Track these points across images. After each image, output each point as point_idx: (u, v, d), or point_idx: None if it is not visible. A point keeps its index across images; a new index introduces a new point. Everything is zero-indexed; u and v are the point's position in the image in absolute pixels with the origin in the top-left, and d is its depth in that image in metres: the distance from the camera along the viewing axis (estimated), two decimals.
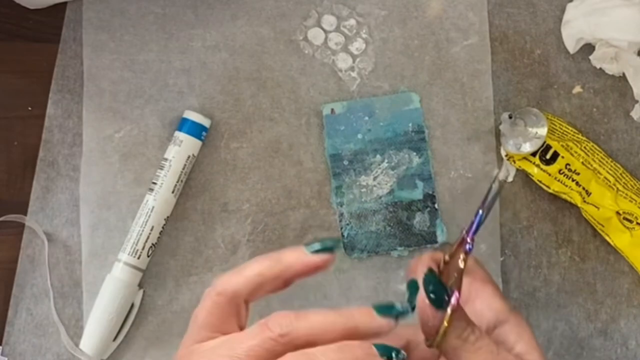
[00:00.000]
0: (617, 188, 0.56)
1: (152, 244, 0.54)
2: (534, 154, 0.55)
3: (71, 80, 0.57)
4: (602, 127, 0.58)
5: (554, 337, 0.56)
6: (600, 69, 0.58)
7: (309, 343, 0.29)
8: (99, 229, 0.55)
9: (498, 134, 0.57)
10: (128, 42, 0.58)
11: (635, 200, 0.55)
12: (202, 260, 0.56)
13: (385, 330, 0.31)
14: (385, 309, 0.32)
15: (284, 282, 0.34)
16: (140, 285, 0.54)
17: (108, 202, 0.56)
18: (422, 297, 0.33)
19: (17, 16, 0.58)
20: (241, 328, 0.33)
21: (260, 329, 0.30)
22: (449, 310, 0.32)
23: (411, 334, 0.37)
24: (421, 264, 0.35)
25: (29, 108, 0.57)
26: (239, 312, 0.34)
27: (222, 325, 0.32)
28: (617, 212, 0.54)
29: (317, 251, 0.33)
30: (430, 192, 0.56)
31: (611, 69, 0.58)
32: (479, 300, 0.39)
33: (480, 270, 0.41)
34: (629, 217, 0.55)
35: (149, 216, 0.54)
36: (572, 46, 0.58)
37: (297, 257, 0.33)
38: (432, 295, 0.32)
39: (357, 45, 0.58)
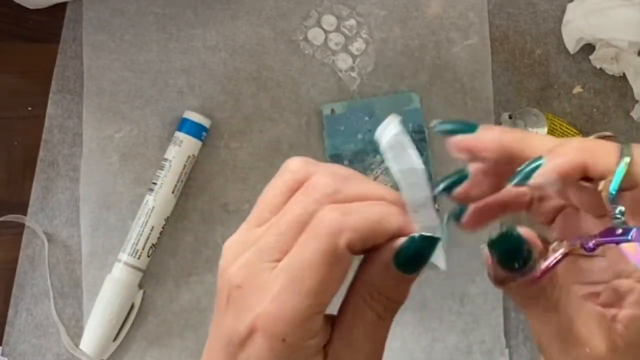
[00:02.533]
0: None
1: (152, 244, 0.54)
2: None
3: (71, 80, 0.57)
4: (602, 127, 0.58)
5: None
6: (601, 69, 0.58)
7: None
8: (99, 229, 0.55)
9: None
10: (128, 42, 0.58)
11: None
12: (202, 260, 0.55)
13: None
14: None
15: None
16: (140, 286, 0.54)
17: (108, 202, 0.56)
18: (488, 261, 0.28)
19: (17, 16, 0.58)
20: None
21: (302, 195, 0.27)
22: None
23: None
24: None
25: (29, 108, 0.57)
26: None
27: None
28: None
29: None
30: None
31: (611, 69, 0.58)
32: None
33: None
34: None
35: (149, 216, 0.54)
36: (572, 46, 0.58)
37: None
38: (504, 263, 0.28)
39: (357, 45, 0.58)
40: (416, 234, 0.27)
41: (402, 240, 0.27)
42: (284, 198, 0.28)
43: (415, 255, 0.27)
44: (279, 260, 0.26)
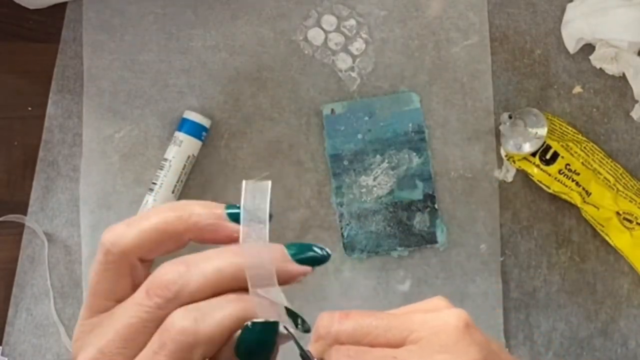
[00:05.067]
0: (617, 188, 0.56)
1: None
2: (534, 154, 0.55)
3: (71, 80, 0.57)
4: (602, 127, 0.58)
5: (554, 337, 0.56)
6: (600, 69, 0.58)
7: (201, 298, 0.25)
8: (99, 229, 0.55)
9: (498, 134, 0.57)
10: (128, 42, 0.58)
11: (635, 201, 0.55)
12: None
13: (301, 277, 0.27)
14: (302, 249, 0.27)
15: (184, 242, 0.28)
16: None
17: (108, 202, 0.56)
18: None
19: (17, 16, 0.58)
20: (135, 291, 0.27)
21: (141, 297, 0.25)
22: None
23: None
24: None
25: (29, 108, 0.57)
26: (133, 271, 0.27)
27: (113, 290, 0.26)
28: (617, 213, 0.54)
29: (233, 217, 0.27)
30: (430, 192, 0.56)
31: (611, 69, 0.58)
32: None
33: None
34: (629, 217, 0.55)
35: None
36: (572, 46, 0.58)
37: (209, 219, 0.27)
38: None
39: (357, 45, 0.58)
40: (249, 323, 0.25)
41: (237, 332, 0.25)
42: (110, 283, 0.26)
43: (256, 346, 0.25)
44: None
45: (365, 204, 0.56)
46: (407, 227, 0.56)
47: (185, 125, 0.55)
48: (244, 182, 0.27)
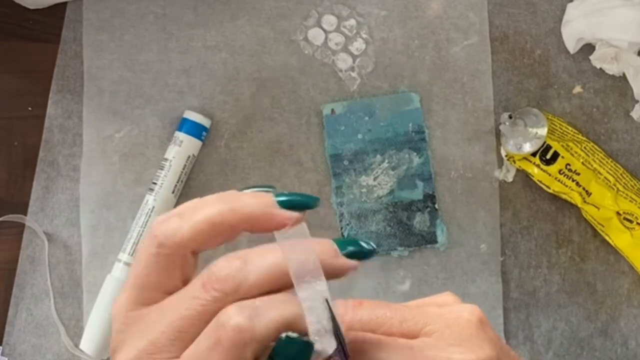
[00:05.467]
0: (617, 188, 0.56)
1: None
2: (534, 154, 0.55)
3: (71, 80, 0.57)
4: (602, 127, 0.58)
5: (554, 337, 0.56)
6: (600, 69, 0.58)
7: (257, 294, 0.25)
8: (99, 229, 0.55)
9: (498, 134, 0.57)
10: (128, 42, 0.58)
11: (636, 201, 0.55)
12: (202, 260, 0.55)
13: (350, 272, 0.26)
14: (352, 244, 0.26)
15: (237, 233, 0.27)
16: None
17: (108, 202, 0.56)
18: None
19: (17, 16, 0.58)
20: (186, 283, 0.27)
21: (197, 290, 0.25)
22: None
23: None
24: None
25: (29, 108, 0.57)
26: (184, 264, 0.27)
27: (164, 283, 0.26)
28: (617, 212, 0.54)
29: (287, 204, 0.26)
30: (430, 192, 0.56)
31: (611, 69, 0.58)
32: None
33: None
34: (629, 217, 0.55)
35: (149, 216, 0.54)
36: (572, 46, 0.58)
37: (262, 208, 0.26)
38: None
39: (357, 45, 0.58)
40: (283, 335, 0.24)
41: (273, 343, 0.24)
42: (161, 276, 0.26)
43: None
44: None
45: (365, 204, 0.56)
46: (407, 227, 0.56)
47: (185, 125, 0.55)
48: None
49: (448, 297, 0.29)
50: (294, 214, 0.26)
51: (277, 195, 0.27)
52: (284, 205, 0.26)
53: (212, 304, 0.24)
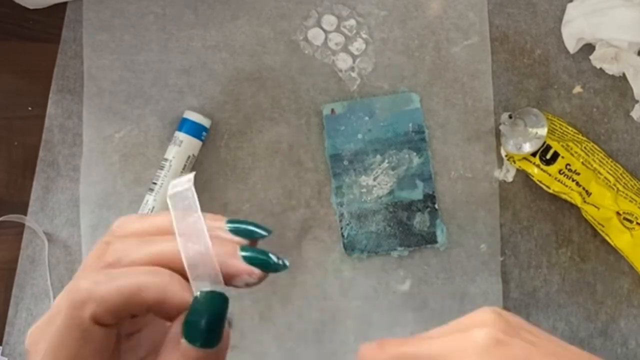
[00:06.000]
0: (617, 188, 0.56)
1: None
2: (534, 154, 0.55)
3: (71, 80, 0.57)
4: (602, 127, 0.58)
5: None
6: (600, 69, 0.58)
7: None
8: (99, 229, 0.55)
9: (498, 134, 0.57)
10: (128, 42, 0.58)
11: (636, 201, 0.55)
12: None
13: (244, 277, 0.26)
14: (257, 257, 0.26)
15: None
16: None
17: (108, 202, 0.56)
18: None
19: (17, 16, 0.58)
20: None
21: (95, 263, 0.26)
22: None
23: None
24: None
25: (29, 108, 0.57)
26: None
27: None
28: (617, 212, 0.54)
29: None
30: (430, 192, 0.56)
31: (611, 69, 0.58)
32: None
33: None
34: (629, 217, 0.55)
35: None
36: (572, 46, 0.58)
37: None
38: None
39: (357, 45, 0.58)
40: (197, 293, 0.24)
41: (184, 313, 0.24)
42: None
43: (207, 319, 0.24)
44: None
45: (365, 204, 0.56)
46: (407, 227, 0.56)
47: (185, 125, 0.55)
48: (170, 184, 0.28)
49: (480, 316, 0.28)
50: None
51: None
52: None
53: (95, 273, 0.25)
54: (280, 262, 0.27)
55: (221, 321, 0.25)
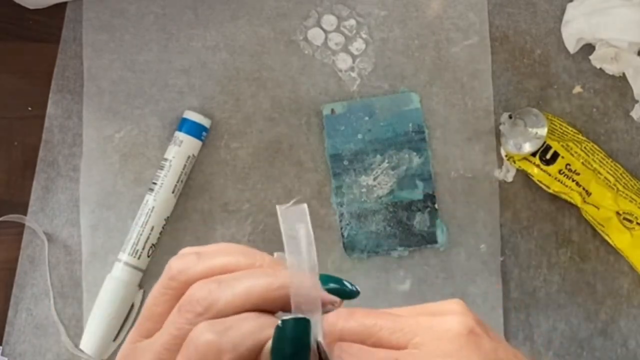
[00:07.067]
0: (617, 188, 0.56)
1: (152, 244, 0.54)
2: (534, 154, 0.55)
3: (71, 80, 0.57)
4: (602, 127, 0.58)
5: (554, 337, 0.56)
6: (600, 69, 0.58)
7: (229, 315, 0.26)
8: (99, 229, 0.55)
9: (498, 134, 0.57)
10: (128, 42, 0.58)
11: (635, 201, 0.55)
12: None
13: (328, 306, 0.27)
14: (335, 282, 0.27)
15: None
16: (140, 285, 0.54)
17: (108, 202, 0.56)
18: None
19: (17, 16, 0.58)
20: None
21: (174, 314, 0.26)
22: None
23: None
24: None
25: (29, 108, 0.57)
26: None
27: (166, 316, 0.27)
28: (617, 212, 0.54)
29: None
30: (430, 192, 0.56)
31: (611, 69, 0.58)
32: None
33: None
34: (629, 217, 0.55)
35: (149, 216, 0.54)
36: (572, 46, 0.58)
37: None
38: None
39: (357, 45, 0.58)
40: (279, 321, 0.25)
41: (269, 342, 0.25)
42: (165, 308, 0.27)
43: (291, 345, 0.25)
44: None
45: (365, 204, 0.56)
46: (407, 227, 0.56)
47: (185, 125, 0.55)
48: (278, 207, 0.27)
49: (453, 306, 0.29)
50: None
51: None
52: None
53: (186, 325, 0.25)
54: (354, 288, 0.28)
55: (306, 346, 0.25)
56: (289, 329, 0.25)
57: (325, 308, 0.27)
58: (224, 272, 0.27)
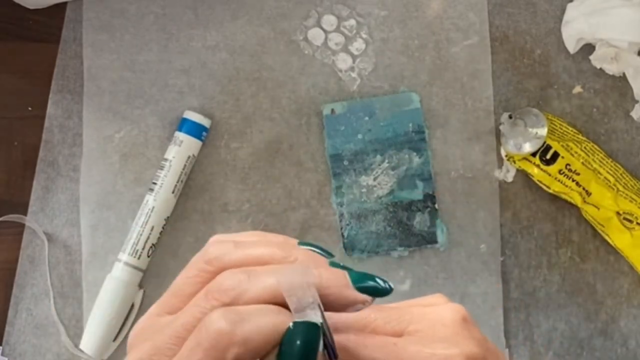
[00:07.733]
0: (617, 188, 0.56)
1: (152, 244, 0.54)
2: (534, 154, 0.55)
3: (71, 80, 0.57)
4: (602, 127, 0.58)
5: (554, 337, 0.56)
6: (600, 69, 0.58)
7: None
8: (99, 229, 0.55)
9: (498, 134, 0.57)
10: (128, 42, 0.58)
11: (635, 201, 0.55)
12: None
13: (359, 306, 0.26)
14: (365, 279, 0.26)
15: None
16: (140, 285, 0.54)
17: (108, 202, 0.56)
18: None
19: (17, 16, 0.58)
20: None
21: (200, 298, 0.26)
22: None
23: None
24: None
25: (29, 108, 0.57)
26: None
27: (194, 296, 0.27)
28: (617, 212, 0.54)
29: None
30: (430, 192, 0.56)
31: (611, 69, 0.58)
32: None
33: None
34: (629, 217, 0.55)
35: (149, 216, 0.54)
36: (572, 46, 0.58)
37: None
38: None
39: (357, 45, 0.58)
40: (291, 324, 0.24)
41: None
42: (195, 289, 0.27)
43: (301, 348, 0.24)
44: None
45: (365, 204, 0.56)
46: (407, 227, 0.56)
47: (185, 125, 0.55)
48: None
49: (437, 298, 0.29)
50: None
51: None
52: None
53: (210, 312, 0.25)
54: (387, 285, 0.27)
55: (314, 349, 0.25)
56: (298, 332, 0.25)
57: (356, 307, 0.26)
58: (258, 263, 0.26)
